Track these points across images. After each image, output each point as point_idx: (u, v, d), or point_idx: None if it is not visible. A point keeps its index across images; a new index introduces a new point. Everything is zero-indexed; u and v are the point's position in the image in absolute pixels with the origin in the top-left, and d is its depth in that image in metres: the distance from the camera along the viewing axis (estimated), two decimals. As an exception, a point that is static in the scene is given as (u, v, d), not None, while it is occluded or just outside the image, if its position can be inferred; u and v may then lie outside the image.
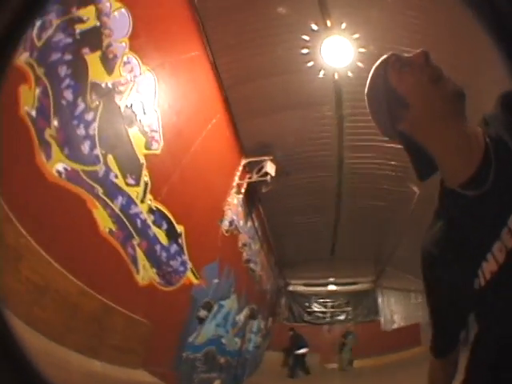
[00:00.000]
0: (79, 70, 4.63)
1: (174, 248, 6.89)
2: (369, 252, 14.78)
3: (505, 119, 1.19)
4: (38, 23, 4.01)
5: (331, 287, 18.02)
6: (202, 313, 8.52)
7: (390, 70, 1.30)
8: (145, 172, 5.89)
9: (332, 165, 10.49)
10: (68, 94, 4.50)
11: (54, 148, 4.32)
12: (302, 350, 14.25)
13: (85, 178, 4.74)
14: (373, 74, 1.37)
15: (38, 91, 4.10)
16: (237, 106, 8.90)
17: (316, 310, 18.15)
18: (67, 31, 4.42)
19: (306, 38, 7.52)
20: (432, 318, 1.47)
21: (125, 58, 5.43)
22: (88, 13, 4.76)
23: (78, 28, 4.59)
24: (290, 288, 18.36)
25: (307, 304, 18.25)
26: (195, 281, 7.81)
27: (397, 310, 16.53)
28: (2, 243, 3.69)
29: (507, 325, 1.11)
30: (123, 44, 5.40)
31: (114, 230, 5.33)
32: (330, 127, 9.41)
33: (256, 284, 12.79)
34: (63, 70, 4.40)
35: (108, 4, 5.08)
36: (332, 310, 18.03)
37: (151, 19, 5.94)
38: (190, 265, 7.50)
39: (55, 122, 4.32)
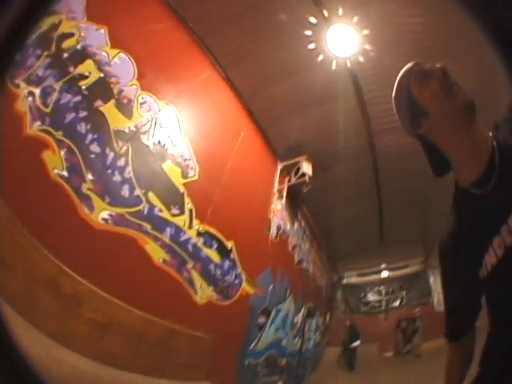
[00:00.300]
0: (98, 122, 4.96)
1: (227, 264, 7.17)
2: (416, 233, 14.56)
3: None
4: (37, 91, 4.38)
5: (384, 274, 17.86)
6: (261, 319, 8.75)
7: (413, 81, 1.52)
8: (187, 200, 6.21)
9: (365, 152, 10.50)
10: (95, 148, 4.85)
11: (95, 199, 4.71)
12: (355, 344, 14.33)
13: (131, 218, 5.11)
14: (398, 82, 1.60)
15: (62, 153, 4.46)
16: (261, 114, 9.03)
17: (371, 299, 18.02)
18: (73, 90, 4.73)
19: (308, 33, 7.51)
20: (445, 304, 1.66)
21: (140, 99, 5.71)
22: (87, 67, 5.04)
23: (83, 84, 4.89)
24: (345, 281, 18.30)
25: (362, 294, 18.08)
26: (251, 290, 8.04)
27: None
28: (59, 292, 4.13)
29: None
30: (134, 86, 5.67)
31: (167, 259, 5.70)
32: (354, 115, 9.39)
33: (311, 282, 12.90)
34: (82, 127, 4.73)
35: (104, 53, 5.31)
36: (387, 297, 17.88)
37: (152, 54, 6.15)
38: (244, 276, 7.74)
39: (89, 176, 4.70)
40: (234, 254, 7.38)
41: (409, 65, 1.58)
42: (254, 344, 8.52)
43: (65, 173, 4.45)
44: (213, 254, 6.80)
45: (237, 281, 7.55)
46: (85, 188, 4.64)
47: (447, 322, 1.65)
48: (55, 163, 4.40)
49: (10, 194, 3.81)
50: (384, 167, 10.90)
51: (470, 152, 1.40)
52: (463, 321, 1.60)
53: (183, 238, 6.08)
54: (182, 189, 6.17)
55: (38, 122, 4.35)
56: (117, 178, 5.09)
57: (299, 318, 11.57)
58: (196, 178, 6.50)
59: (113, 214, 4.92)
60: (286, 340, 10.51)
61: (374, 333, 15.54)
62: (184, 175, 6.28)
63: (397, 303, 17.48)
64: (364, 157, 10.68)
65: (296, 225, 10.84)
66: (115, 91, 5.37)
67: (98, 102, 5.06)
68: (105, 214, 4.82)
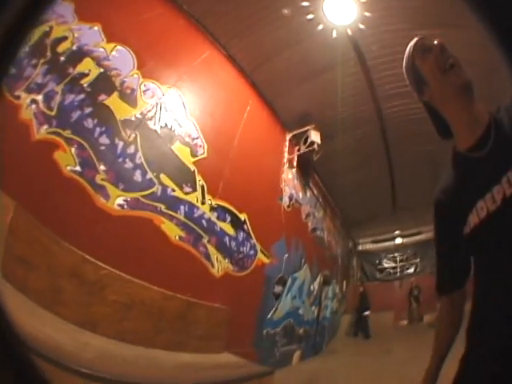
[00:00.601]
0: (104, 115, 5.12)
1: (241, 235, 7.39)
2: (428, 199, 14.59)
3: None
4: (39, 98, 4.52)
5: (398, 240, 18.02)
6: (277, 289, 8.95)
7: (416, 53, 1.70)
8: (198, 177, 6.40)
9: (371, 118, 10.52)
10: (104, 140, 5.03)
11: (109, 187, 4.93)
12: (366, 313, 14.53)
13: (145, 201, 5.34)
14: (406, 54, 1.77)
15: (73, 150, 4.65)
16: (265, 86, 9.10)
17: (386, 266, 18.17)
18: (75, 90, 4.87)
19: (305, 3, 7.52)
20: (436, 259, 1.78)
21: (142, 87, 5.84)
22: (86, 66, 5.15)
23: (85, 82, 5.02)
24: (360, 248, 18.63)
25: (378, 261, 18.32)
26: (266, 260, 8.25)
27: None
28: (83, 281, 4.40)
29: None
30: (135, 76, 5.80)
31: (183, 235, 5.93)
32: (359, 82, 9.43)
33: (326, 250, 13.06)
34: (90, 123, 4.90)
35: (101, 49, 5.41)
36: (401, 263, 18.02)
37: (149, 42, 6.23)
38: (259, 247, 7.94)
39: (102, 167, 4.89)
40: (247, 226, 7.59)
41: (415, 39, 1.74)
42: (271, 313, 8.72)
43: (78, 168, 4.65)
44: (227, 227, 7.01)
45: (252, 252, 7.77)
46: (99, 179, 4.85)
47: (438, 277, 1.77)
48: (67, 161, 4.59)
49: (28, 197, 4.06)
50: (392, 133, 10.92)
51: (467, 124, 1.54)
52: (453, 277, 1.72)
53: (197, 214, 6.28)
54: (192, 167, 6.35)
55: (45, 126, 4.52)
56: (128, 164, 5.29)
57: (315, 285, 11.73)
58: (205, 155, 6.66)
59: (128, 199, 5.14)
60: (303, 308, 10.71)
61: (390, 301, 15.81)
62: (193, 154, 6.45)
63: (411, 270, 17.67)
64: (372, 123, 10.70)
65: (308, 193, 10.98)
66: (117, 83, 5.49)
67: (102, 97, 5.20)
68: (120, 201, 5.04)
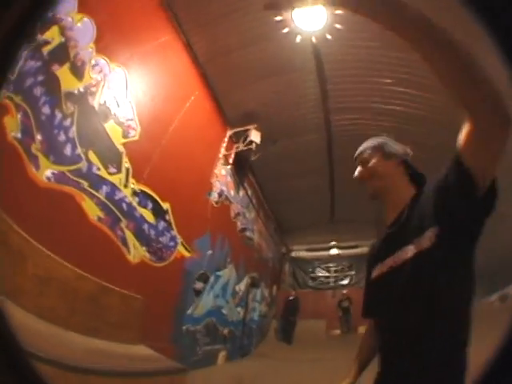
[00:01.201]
0: (52, 85, 5.19)
1: (161, 225, 7.48)
2: (368, 214, 15.13)
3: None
4: None
5: (333, 251, 18.57)
6: (198, 285, 9.10)
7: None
8: (125, 159, 6.46)
9: (320, 128, 10.88)
10: (46, 109, 5.12)
11: (41, 158, 4.99)
12: (294, 318, 14.99)
13: (71, 176, 5.41)
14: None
15: (19, 116, 4.74)
16: (217, 79, 9.33)
17: (320, 275, 18.66)
18: (36, 56, 4.95)
19: None
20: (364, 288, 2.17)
21: (93, 62, 5.92)
22: (52, 33, 5.24)
23: (45, 50, 5.10)
24: (293, 254, 18.97)
25: (311, 269, 18.77)
26: (187, 254, 8.39)
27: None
28: (9, 250, 4.46)
29: None
30: (90, 49, 5.88)
31: (102, 216, 6.00)
32: (313, 90, 9.76)
33: (255, 252, 13.24)
34: (38, 91, 4.98)
35: (70, 19, 5.50)
36: (335, 274, 18.51)
37: (115, 18, 6.34)
38: (180, 239, 8.07)
39: (38, 137, 4.97)
40: (169, 216, 7.68)
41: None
42: (191, 309, 8.86)
43: (19, 135, 4.72)
44: (147, 214, 7.11)
45: (172, 243, 7.87)
46: (34, 148, 4.91)
47: (363, 302, 2.08)
48: (12, 126, 4.67)
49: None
50: (338, 145, 11.27)
51: (392, 205, 1.94)
52: (373, 307, 2.00)
53: (118, 196, 6.36)
54: (121, 148, 6.43)
55: (4, 90, 4.54)
56: (62, 137, 5.36)
57: (241, 286, 11.88)
58: (136, 137, 6.74)
59: (55, 172, 5.20)
60: (227, 308, 10.91)
61: (322, 309, 16.20)
62: (125, 135, 6.54)
63: (346, 281, 18.22)
64: (319, 133, 11.09)
65: (241, 193, 11.15)
66: (72, 55, 5.57)
67: (55, 66, 5.28)
68: (48, 173, 5.10)
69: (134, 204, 6.77)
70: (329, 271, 18.69)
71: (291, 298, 15.89)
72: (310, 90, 9.80)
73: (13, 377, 0.99)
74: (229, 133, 10.01)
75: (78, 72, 5.67)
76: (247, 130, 9.81)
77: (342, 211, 15.29)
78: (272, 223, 15.21)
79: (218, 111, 9.82)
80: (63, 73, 5.41)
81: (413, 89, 9.45)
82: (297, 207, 14.49)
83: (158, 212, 7.40)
